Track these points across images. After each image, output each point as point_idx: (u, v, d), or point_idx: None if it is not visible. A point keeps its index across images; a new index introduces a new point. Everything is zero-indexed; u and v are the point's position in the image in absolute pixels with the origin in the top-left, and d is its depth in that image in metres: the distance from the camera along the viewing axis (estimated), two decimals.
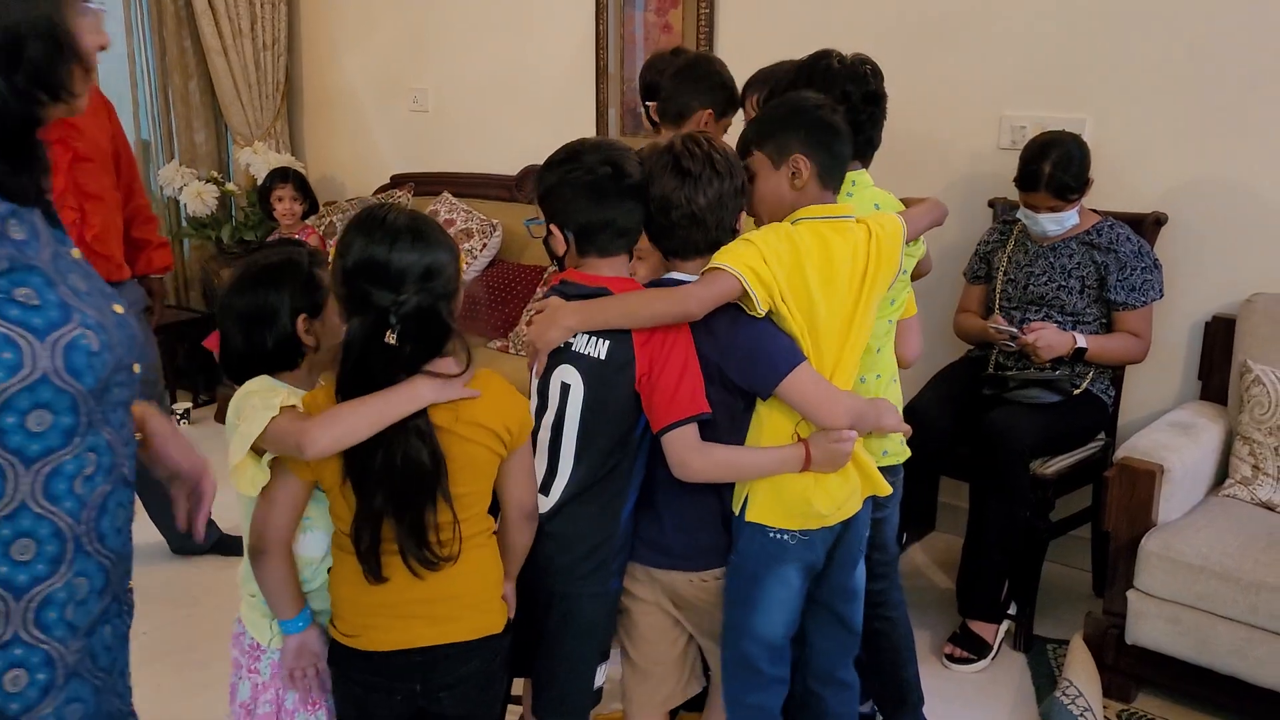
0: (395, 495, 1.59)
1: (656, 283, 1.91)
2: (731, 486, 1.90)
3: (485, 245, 4.15)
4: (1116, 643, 2.61)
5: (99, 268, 2.75)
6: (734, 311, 1.81)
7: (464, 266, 1.71)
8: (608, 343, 1.82)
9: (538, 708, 1.98)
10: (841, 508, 1.91)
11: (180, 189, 4.85)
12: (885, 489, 1.97)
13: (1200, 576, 2.43)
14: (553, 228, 1.89)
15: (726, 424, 1.86)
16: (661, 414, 1.80)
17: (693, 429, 1.80)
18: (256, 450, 1.61)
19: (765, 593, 1.89)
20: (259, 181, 4.63)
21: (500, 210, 4.37)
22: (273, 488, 1.64)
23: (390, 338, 1.56)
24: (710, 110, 2.51)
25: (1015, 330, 2.88)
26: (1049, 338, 2.81)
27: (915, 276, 2.26)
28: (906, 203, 2.20)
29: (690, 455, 1.80)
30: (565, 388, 1.85)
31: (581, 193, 1.83)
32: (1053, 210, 2.87)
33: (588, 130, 4.25)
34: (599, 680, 1.98)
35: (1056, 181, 2.82)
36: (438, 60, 4.83)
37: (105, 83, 4.95)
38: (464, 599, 1.70)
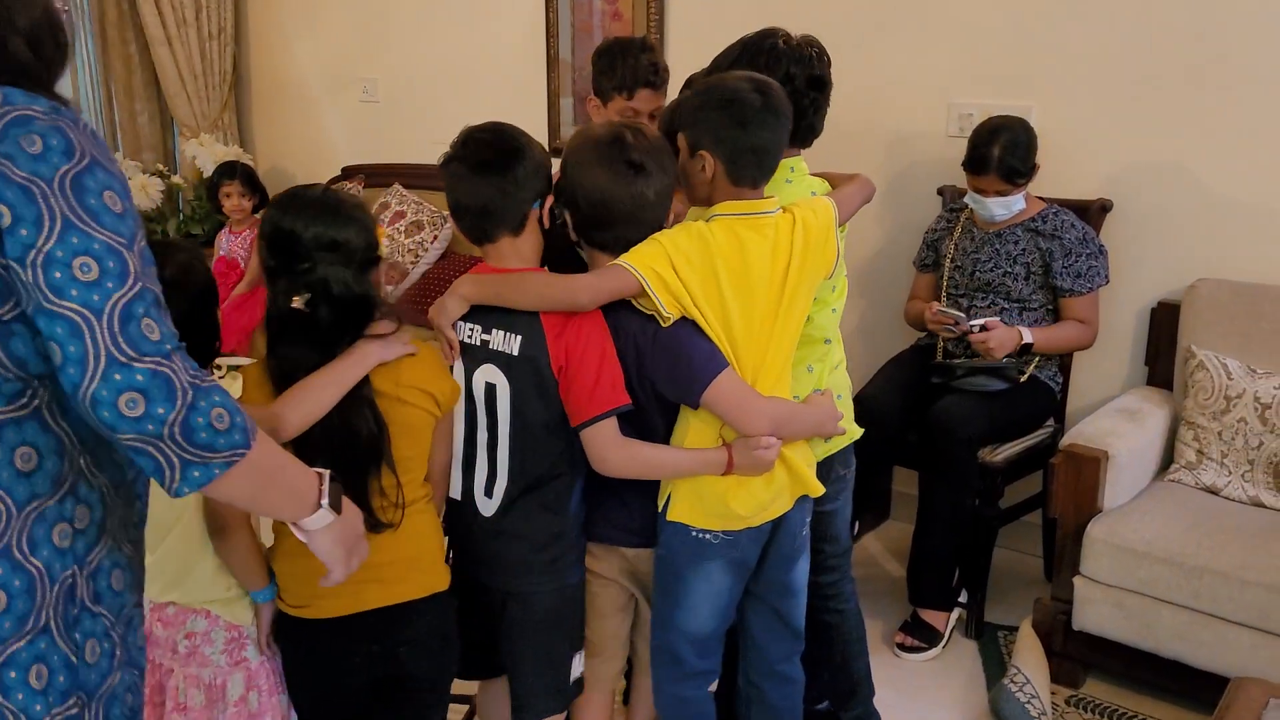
0: (339, 463, 1.58)
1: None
2: None
3: (436, 237, 4.11)
4: (1064, 629, 2.62)
5: None
6: (653, 318, 1.77)
7: (382, 242, 1.74)
8: (519, 338, 1.79)
9: (515, 706, 1.97)
10: (766, 509, 1.88)
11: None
12: (817, 489, 1.94)
13: (1144, 562, 2.45)
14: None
15: (651, 424, 1.84)
16: (579, 409, 1.77)
17: (612, 424, 1.77)
18: None
19: (689, 589, 1.88)
20: (205, 174, 4.55)
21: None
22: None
23: (298, 302, 1.61)
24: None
25: (959, 314, 2.87)
26: (999, 337, 2.80)
27: None
28: (832, 180, 2.13)
29: (609, 451, 1.78)
30: (490, 387, 1.82)
31: (469, 179, 1.80)
32: (1000, 194, 2.86)
33: (540, 119, 4.20)
34: (576, 671, 1.96)
35: (1005, 165, 2.82)
36: (388, 49, 4.76)
37: None
38: (410, 561, 1.73)
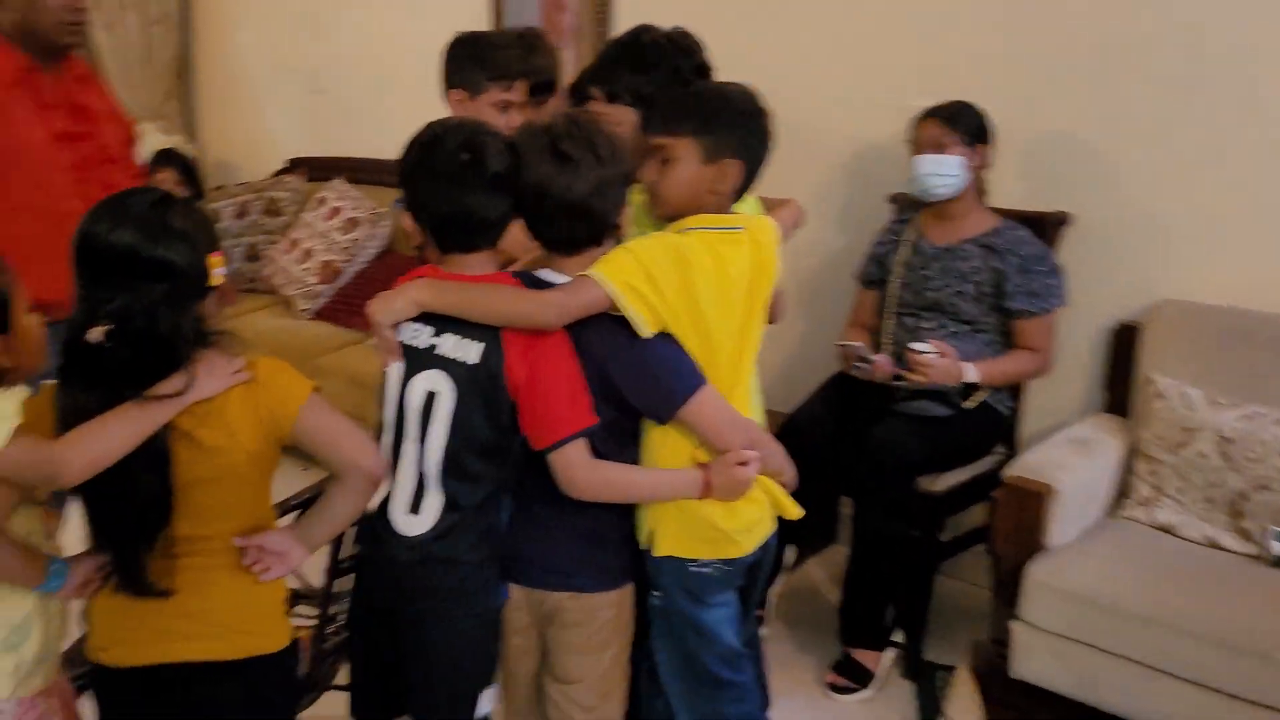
0: (112, 519, 1.44)
1: (525, 277, 1.72)
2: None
3: (373, 235, 3.92)
4: (1002, 675, 2.43)
5: None
6: (630, 329, 1.64)
7: (223, 266, 1.51)
8: (482, 345, 1.63)
9: None
10: (753, 530, 1.78)
11: None
12: (794, 511, 1.82)
13: (1087, 609, 2.25)
14: (407, 217, 1.71)
15: (617, 442, 1.71)
16: (548, 429, 1.63)
17: (582, 445, 1.64)
18: None
19: (704, 625, 1.78)
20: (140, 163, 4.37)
21: (394, 197, 4.14)
22: None
23: (94, 334, 1.37)
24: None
25: (866, 353, 2.67)
26: (941, 369, 2.58)
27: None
28: (765, 204, 2.02)
29: (578, 472, 1.65)
30: (430, 396, 1.65)
31: (439, 181, 1.63)
32: (936, 145, 2.67)
33: None
34: (482, 709, 1.79)
35: (948, 111, 2.69)
36: (335, 39, 4.58)
37: None
38: (223, 615, 1.54)
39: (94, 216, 1.43)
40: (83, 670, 1.77)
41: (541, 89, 2.33)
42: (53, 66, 2.50)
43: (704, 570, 1.77)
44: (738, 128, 1.75)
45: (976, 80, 2.94)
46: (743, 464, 1.71)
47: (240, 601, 1.56)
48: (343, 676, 2.02)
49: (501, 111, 2.28)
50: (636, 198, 1.83)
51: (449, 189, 1.63)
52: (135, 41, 4.76)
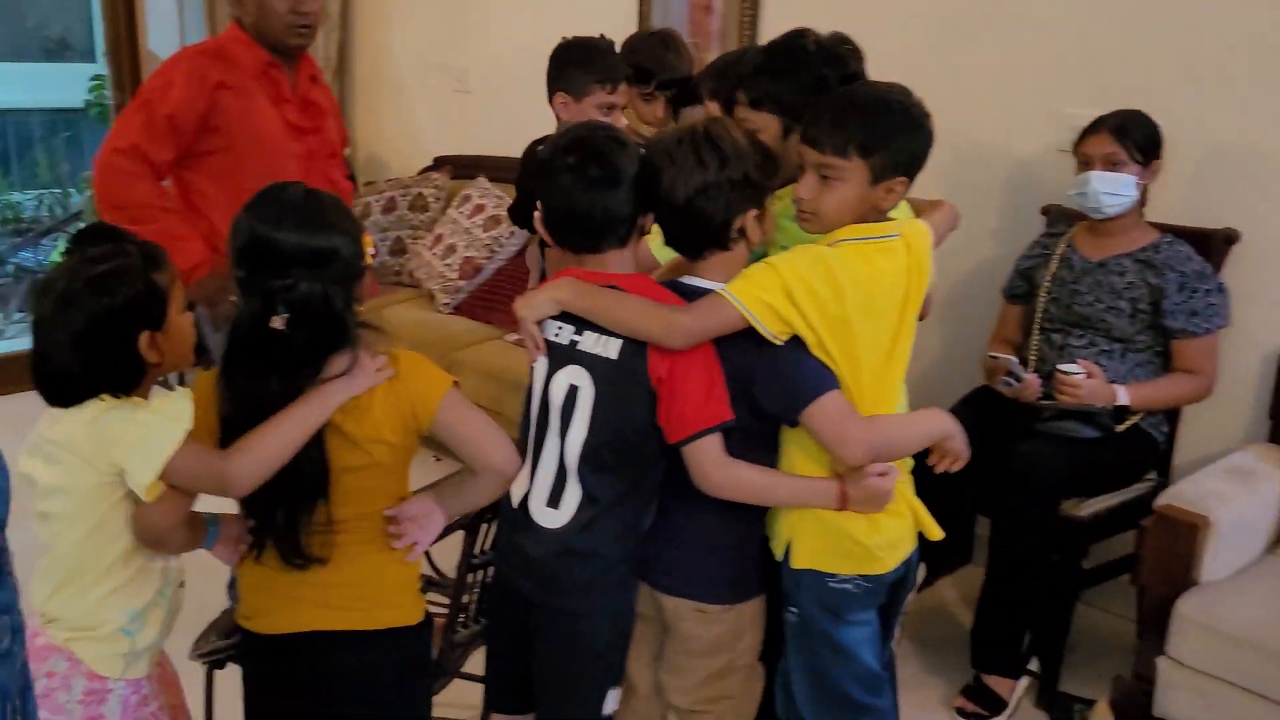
0: (273, 493, 1.52)
1: (672, 284, 1.74)
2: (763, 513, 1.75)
3: (512, 233, 3.97)
4: (1144, 713, 2.31)
5: None
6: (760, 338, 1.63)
7: (369, 251, 1.59)
8: (620, 341, 1.65)
9: None
10: (896, 547, 1.74)
11: None
12: (935, 531, 1.78)
13: (1239, 649, 2.13)
14: (537, 216, 1.76)
15: (752, 447, 1.69)
16: (683, 423, 1.63)
17: (717, 439, 1.64)
18: None
19: (842, 643, 1.74)
20: None
21: None
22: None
23: (277, 322, 1.46)
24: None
25: (1018, 369, 2.56)
26: (1090, 388, 2.47)
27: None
28: (915, 207, 1.96)
29: (712, 468, 1.64)
30: (573, 390, 1.69)
31: (558, 181, 1.68)
32: (1109, 163, 2.53)
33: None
34: (608, 707, 1.81)
35: (1119, 124, 2.54)
36: (480, 39, 4.67)
37: (158, 52, 4.93)
38: (362, 589, 1.61)
39: (258, 212, 1.50)
40: (228, 643, 1.85)
41: (665, 86, 2.51)
42: (289, 63, 2.65)
43: (844, 585, 1.72)
44: (907, 145, 1.68)
45: (1139, 86, 2.80)
46: (881, 475, 1.68)
47: (379, 576, 1.62)
48: (477, 667, 2.06)
49: (605, 113, 2.39)
50: (779, 206, 1.80)
51: (569, 190, 1.67)
52: None
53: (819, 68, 1.79)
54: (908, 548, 1.79)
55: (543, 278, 2.64)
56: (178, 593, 1.67)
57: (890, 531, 1.73)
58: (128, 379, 1.50)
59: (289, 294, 1.47)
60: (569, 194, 1.67)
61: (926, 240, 1.77)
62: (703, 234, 1.69)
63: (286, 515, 1.53)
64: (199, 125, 2.49)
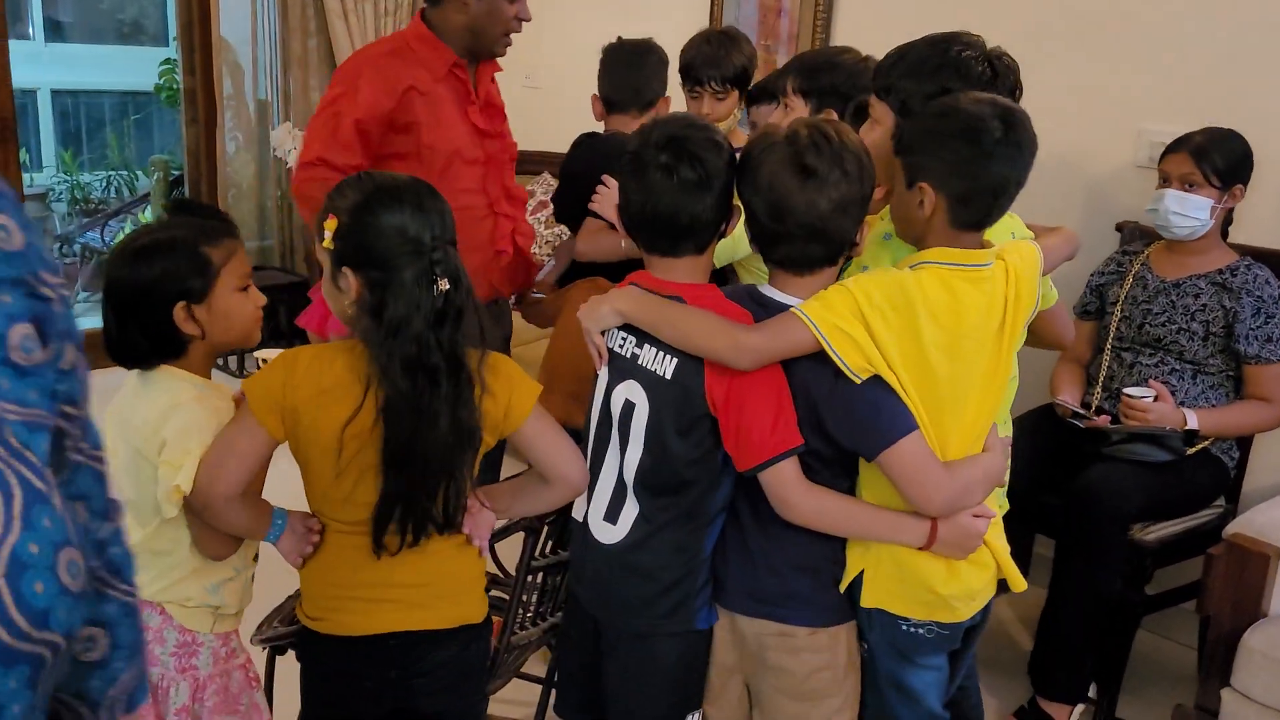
0: (423, 472, 1.51)
1: (740, 292, 1.68)
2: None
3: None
4: None
5: (521, 274, 2.85)
6: (834, 367, 1.54)
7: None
8: (676, 360, 1.59)
9: None
10: (975, 598, 1.65)
11: (290, 151, 4.84)
12: (1020, 583, 1.69)
13: None
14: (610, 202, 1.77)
15: (829, 472, 1.62)
16: (751, 449, 1.56)
17: (792, 464, 1.56)
18: None
19: (910, 686, 1.68)
20: None
21: None
22: (233, 438, 1.51)
23: (443, 284, 1.47)
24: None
25: (1084, 413, 2.53)
26: (1160, 411, 2.44)
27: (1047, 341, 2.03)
28: (1034, 231, 1.88)
29: (792, 493, 1.56)
30: (629, 406, 1.64)
31: (646, 178, 1.60)
32: (1185, 183, 2.49)
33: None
34: None
35: (1199, 145, 2.49)
36: (549, 36, 4.67)
37: (229, 38, 5.00)
38: (436, 587, 1.61)
39: (384, 206, 1.48)
40: (290, 630, 1.87)
41: (729, 83, 2.56)
42: (475, 67, 2.60)
43: (918, 630, 1.65)
44: (933, 148, 1.59)
45: (1222, 101, 2.75)
46: (976, 515, 1.60)
47: (448, 572, 1.62)
48: (538, 668, 2.06)
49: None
50: (875, 220, 1.74)
51: (657, 189, 1.59)
52: (370, 31, 4.99)
53: (945, 79, 1.72)
54: (986, 598, 1.70)
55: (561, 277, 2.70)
56: (251, 566, 1.70)
57: (970, 582, 1.64)
58: (165, 349, 1.53)
59: (444, 266, 1.48)
60: (657, 193, 1.59)
61: (1033, 262, 1.66)
62: (831, 251, 1.59)
63: (429, 479, 1.51)
64: (386, 127, 2.43)
